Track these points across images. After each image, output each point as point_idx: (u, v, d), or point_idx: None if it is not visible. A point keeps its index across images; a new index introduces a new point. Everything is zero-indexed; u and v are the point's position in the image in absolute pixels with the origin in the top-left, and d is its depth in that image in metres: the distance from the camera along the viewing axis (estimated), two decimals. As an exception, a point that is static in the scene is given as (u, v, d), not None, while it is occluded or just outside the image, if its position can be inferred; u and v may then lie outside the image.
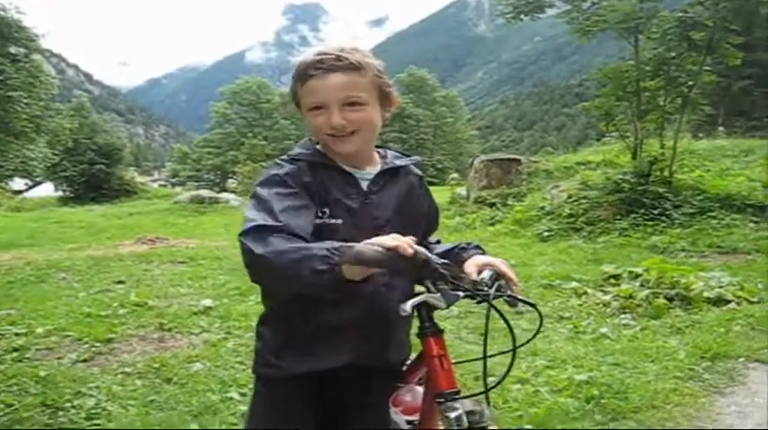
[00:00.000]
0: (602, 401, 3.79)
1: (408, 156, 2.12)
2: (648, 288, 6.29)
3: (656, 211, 10.35)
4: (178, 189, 47.26)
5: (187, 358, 4.76)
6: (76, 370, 4.60)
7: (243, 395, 3.96)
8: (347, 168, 1.90)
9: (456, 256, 2.00)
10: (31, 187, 46.42)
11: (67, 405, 3.92)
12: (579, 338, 5.21)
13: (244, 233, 1.63)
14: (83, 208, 28.36)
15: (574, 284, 6.95)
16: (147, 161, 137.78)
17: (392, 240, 1.49)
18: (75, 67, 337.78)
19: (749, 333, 5.10)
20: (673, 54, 11.35)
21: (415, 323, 1.74)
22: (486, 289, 1.72)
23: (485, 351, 1.70)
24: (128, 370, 4.52)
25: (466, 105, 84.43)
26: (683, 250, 8.76)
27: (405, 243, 1.49)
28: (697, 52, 11.28)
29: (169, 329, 5.64)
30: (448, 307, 1.62)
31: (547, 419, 3.61)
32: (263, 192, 1.76)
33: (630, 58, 12.00)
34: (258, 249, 1.57)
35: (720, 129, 24.06)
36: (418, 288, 1.68)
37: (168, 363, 4.64)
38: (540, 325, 1.86)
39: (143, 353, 5.02)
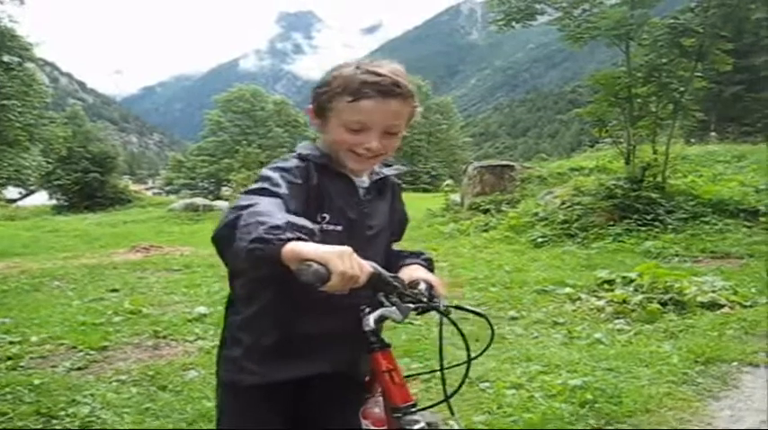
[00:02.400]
0: (597, 406, 3.80)
1: (391, 164, 2.06)
2: (642, 293, 6.31)
3: (649, 217, 10.38)
4: (172, 197, 47.21)
5: (182, 366, 4.75)
6: (71, 378, 4.59)
7: (238, 402, 3.96)
8: (350, 175, 1.88)
9: (395, 262, 2.01)
10: (24, 196, 46.32)
11: (62, 413, 3.90)
12: (573, 343, 5.22)
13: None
14: (77, 216, 28.35)
15: (568, 290, 6.96)
16: (142, 169, 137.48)
17: (342, 263, 1.36)
18: (69, 76, 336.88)
19: (742, 337, 5.12)
20: (664, 60, 11.41)
21: None
22: (427, 300, 1.71)
23: (441, 363, 1.72)
24: (122, 377, 4.51)
25: (459, 112, 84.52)
26: (677, 255, 8.79)
27: (354, 270, 1.39)
28: (688, 58, 11.35)
29: (164, 337, 5.63)
30: (402, 320, 1.60)
31: (541, 424, 3.62)
32: (268, 172, 1.74)
33: (622, 64, 12.05)
34: (241, 202, 1.54)
35: (713, 134, 24.19)
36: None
37: (163, 371, 4.63)
38: (492, 336, 1.86)
39: (138, 360, 5.01)
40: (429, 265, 2.05)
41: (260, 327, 1.82)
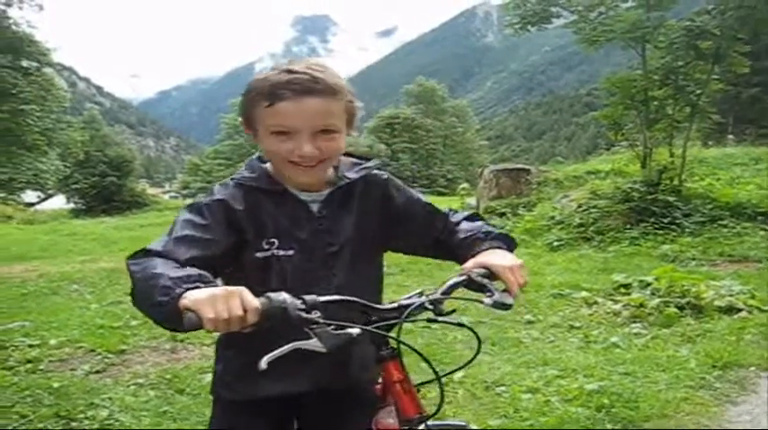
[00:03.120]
0: (613, 410, 3.79)
1: (366, 160, 1.90)
2: (659, 297, 6.27)
3: (666, 220, 10.32)
4: (189, 200, 47.38)
5: (199, 369, 4.79)
6: (89, 381, 4.64)
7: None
8: (296, 193, 1.75)
9: (467, 249, 1.81)
10: (42, 200, 46.69)
11: (81, 416, 3.95)
12: (590, 347, 5.21)
13: (133, 254, 1.55)
14: (94, 220, 28.54)
15: (584, 294, 6.94)
16: (158, 173, 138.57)
17: (212, 309, 1.31)
18: (87, 80, 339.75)
19: (761, 342, 5.09)
20: (680, 63, 11.35)
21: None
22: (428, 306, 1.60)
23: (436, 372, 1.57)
24: (140, 381, 4.55)
25: (475, 115, 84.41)
26: (694, 259, 8.73)
27: (233, 311, 1.32)
28: (704, 61, 11.29)
29: (181, 340, 5.65)
30: (330, 350, 1.45)
31: (558, 428, 3.62)
32: (179, 215, 1.67)
33: (638, 67, 12.00)
34: (133, 268, 1.49)
35: (730, 137, 24.02)
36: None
37: (180, 374, 4.67)
38: (479, 347, 1.70)
39: (155, 364, 5.05)
40: (509, 245, 1.83)
41: (238, 345, 1.78)
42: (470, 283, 1.67)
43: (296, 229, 1.72)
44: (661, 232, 10.05)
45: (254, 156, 1.88)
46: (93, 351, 5.38)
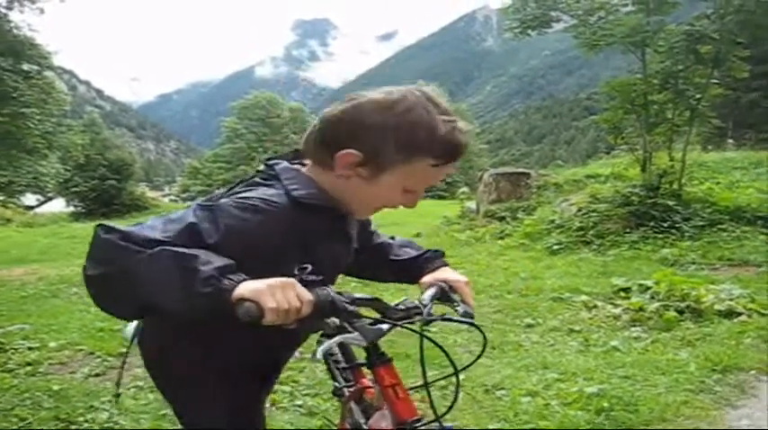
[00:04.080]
0: (613, 414, 3.79)
1: None
2: (659, 300, 6.28)
3: (665, 224, 10.33)
4: (189, 204, 47.32)
5: (199, 372, 4.78)
6: (89, 384, 4.64)
7: (254, 408, 3.98)
8: (343, 210, 1.67)
9: (419, 269, 1.93)
10: (42, 203, 46.74)
11: (80, 419, 3.95)
12: (590, 351, 5.21)
13: (112, 230, 1.40)
14: (94, 223, 28.29)
15: (584, 297, 6.94)
16: (158, 176, 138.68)
17: (273, 298, 1.29)
18: (87, 84, 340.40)
19: (760, 345, 5.09)
20: (680, 67, 11.36)
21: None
22: (422, 310, 1.63)
23: (425, 377, 1.62)
24: (140, 384, 4.54)
25: (475, 119, 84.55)
26: (694, 263, 8.74)
27: (291, 302, 1.32)
28: (704, 65, 11.29)
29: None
30: (371, 343, 1.54)
31: (557, 432, 3.62)
32: (190, 216, 1.47)
33: (638, 71, 12.01)
34: (133, 253, 1.33)
35: (730, 141, 24.04)
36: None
37: (180, 377, 4.66)
38: (484, 346, 1.72)
39: (155, 366, 5.05)
40: (446, 263, 1.97)
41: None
42: (442, 295, 1.77)
43: (336, 246, 1.69)
44: (661, 236, 10.06)
45: (287, 164, 1.70)
46: (92, 354, 5.38)
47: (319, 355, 1.47)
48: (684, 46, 11.07)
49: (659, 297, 6.39)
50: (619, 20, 11.70)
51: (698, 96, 11.37)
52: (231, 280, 1.30)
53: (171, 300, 1.31)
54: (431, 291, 1.74)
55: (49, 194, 43.08)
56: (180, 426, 1.90)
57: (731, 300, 6.22)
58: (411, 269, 1.96)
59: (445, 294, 1.77)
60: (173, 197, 67.80)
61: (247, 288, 1.29)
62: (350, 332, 1.51)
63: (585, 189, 13.19)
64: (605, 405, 3.87)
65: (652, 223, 10.38)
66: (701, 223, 10.34)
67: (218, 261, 1.32)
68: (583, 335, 5.69)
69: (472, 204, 15.59)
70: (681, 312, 6.01)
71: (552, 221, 11.61)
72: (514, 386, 4.31)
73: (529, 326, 6.07)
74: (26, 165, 26.56)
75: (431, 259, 1.96)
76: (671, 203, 10.71)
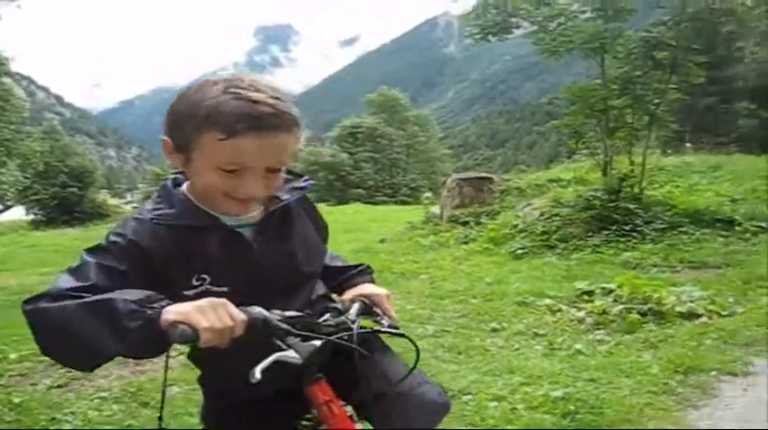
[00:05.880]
0: (578, 417, 3.83)
1: (299, 176, 1.81)
2: (622, 303, 6.36)
3: (627, 227, 10.45)
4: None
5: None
6: (52, 395, 4.56)
7: (221, 418, 3.94)
8: (229, 223, 1.61)
9: (343, 283, 1.93)
10: (1, 211, 45.81)
11: (43, 432, 3.88)
12: (554, 355, 5.26)
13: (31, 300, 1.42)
14: (55, 231, 28.06)
15: (548, 301, 7.00)
16: (120, 183, 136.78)
17: (205, 318, 1.29)
18: (46, 90, 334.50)
19: (720, 346, 5.18)
20: (638, 73, 11.54)
21: None
22: (350, 325, 1.61)
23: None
24: (104, 394, 4.48)
25: (438, 124, 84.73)
26: (655, 265, 8.85)
27: (224, 322, 1.31)
28: (662, 71, 11.49)
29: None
30: (306, 361, 1.48)
31: (524, 436, 3.65)
32: (84, 260, 1.50)
33: (597, 77, 12.17)
34: (50, 312, 1.36)
35: (688, 145, 24.52)
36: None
37: (145, 387, 4.61)
38: (417, 356, 1.71)
39: (119, 377, 4.98)
40: (372, 277, 1.98)
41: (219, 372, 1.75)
42: (365, 310, 1.76)
43: (229, 263, 1.58)
44: (623, 239, 10.18)
45: (166, 182, 1.70)
46: (54, 365, 5.27)
47: (258, 376, 1.38)
48: (642, 52, 11.26)
49: (622, 300, 6.47)
50: (578, 26, 11.84)
51: (656, 101, 11.56)
52: (153, 307, 1.30)
53: (110, 344, 1.30)
54: (356, 306, 1.73)
55: (9, 203, 42.24)
56: None
57: (692, 301, 6.32)
58: (336, 278, 1.96)
59: (368, 308, 1.77)
60: (135, 204, 66.84)
61: (175, 311, 1.29)
62: (283, 350, 1.47)
63: (548, 193, 13.31)
64: (571, 408, 3.91)
65: (614, 227, 10.50)
66: (662, 226, 10.49)
67: (134, 294, 1.32)
68: (547, 338, 5.74)
69: (436, 209, 15.64)
70: (643, 314, 6.10)
71: (516, 226, 11.70)
72: (480, 391, 4.33)
73: (494, 330, 6.11)
74: (-16, 173, 26.06)
75: (356, 275, 1.96)
76: (632, 207, 10.85)
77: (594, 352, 5.27)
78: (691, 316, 6.08)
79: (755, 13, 16.53)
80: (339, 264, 2.02)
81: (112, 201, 50.12)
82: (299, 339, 1.50)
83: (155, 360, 5.29)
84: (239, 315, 1.35)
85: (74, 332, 1.31)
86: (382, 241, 13.65)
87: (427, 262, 10.51)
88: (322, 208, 1.99)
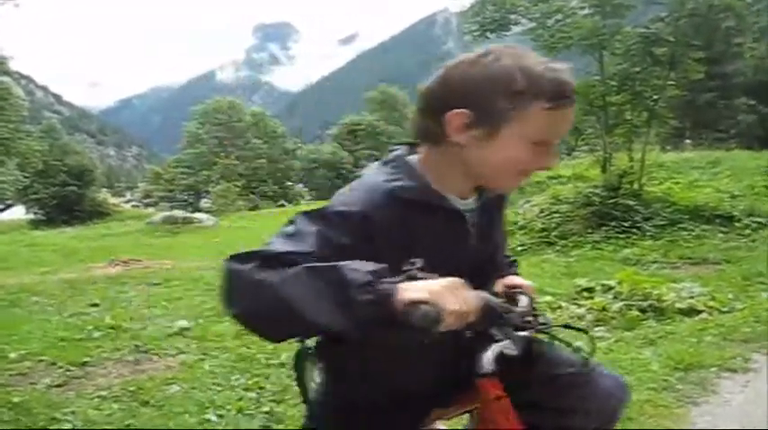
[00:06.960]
0: (578, 414, 3.82)
1: None
2: (621, 300, 6.34)
3: (626, 224, 10.46)
4: (151, 210, 46.84)
5: (164, 380, 4.72)
6: (51, 395, 4.55)
7: (220, 417, 3.94)
8: (457, 205, 1.52)
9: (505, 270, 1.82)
10: (1, 210, 45.84)
11: (43, 431, 3.88)
12: (554, 352, 5.25)
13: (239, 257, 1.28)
14: (55, 230, 28.05)
15: (548, 298, 6.97)
16: (120, 182, 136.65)
17: (455, 299, 1.19)
18: (45, 89, 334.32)
19: (720, 343, 5.17)
20: (637, 69, 11.54)
21: None
22: (535, 319, 1.54)
23: None
24: (103, 393, 4.47)
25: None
26: (655, 262, 8.85)
27: (467, 304, 1.22)
28: (660, 67, 11.50)
29: (145, 351, 5.57)
30: (521, 353, 1.40)
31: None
32: (303, 224, 1.36)
33: (596, 73, 12.16)
34: (263, 274, 1.22)
35: (687, 141, 24.53)
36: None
37: (145, 386, 4.59)
38: (593, 346, 1.73)
39: (119, 376, 4.97)
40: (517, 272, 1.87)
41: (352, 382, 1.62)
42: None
43: (449, 245, 1.50)
44: (622, 236, 10.18)
45: (400, 151, 1.58)
46: (54, 364, 5.27)
47: (488, 367, 1.31)
48: (640, 48, 11.27)
49: (622, 296, 6.45)
50: (576, 23, 11.84)
51: (655, 97, 11.57)
52: (389, 282, 1.19)
53: (328, 315, 1.18)
54: (525, 299, 1.63)
55: (8, 202, 42.28)
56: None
57: (692, 298, 6.32)
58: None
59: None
60: (135, 203, 66.88)
61: (417, 288, 1.18)
62: (499, 340, 1.38)
63: (547, 190, 13.32)
64: (571, 405, 3.90)
65: (613, 223, 10.51)
66: (662, 222, 10.49)
67: (366, 265, 1.21)
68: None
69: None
70: (643, 311, 6.09)
71: (515, 223, 11.69)
72: (481, 388, 4.32)
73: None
74: (-17, 172, 26.08)
75: (506, 265, 1.86)
76: (631, 203, 10.85)
77: (594, 349, 5.25)
78: (690, 312, 6.06)
79: (755, 8, 16.57)
80: None
81: (112, 200, 50.02)
82: (511, 329, 1.41)
83: (154, 358, 5.33)
84: (475, 298, 1.26)
85: (286, 296, 1.19)
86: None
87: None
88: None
